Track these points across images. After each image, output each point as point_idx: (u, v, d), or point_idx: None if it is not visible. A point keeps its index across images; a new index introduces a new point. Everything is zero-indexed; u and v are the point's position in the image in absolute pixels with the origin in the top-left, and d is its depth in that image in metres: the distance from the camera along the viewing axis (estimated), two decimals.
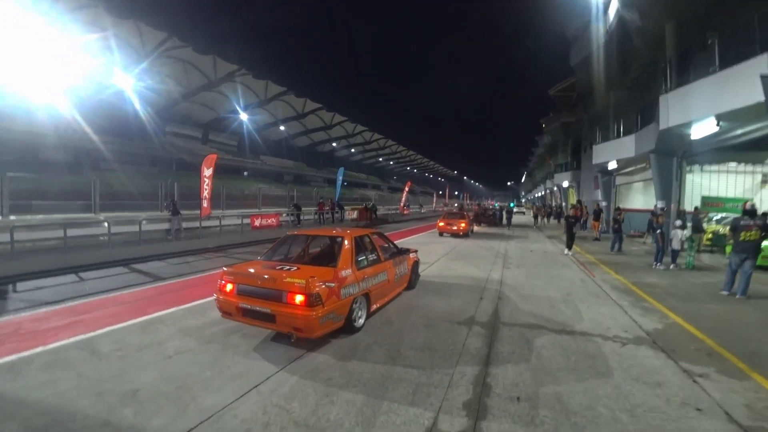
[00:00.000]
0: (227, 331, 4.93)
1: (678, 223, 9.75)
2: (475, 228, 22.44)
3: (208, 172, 14.80)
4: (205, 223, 16.26)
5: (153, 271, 10.16)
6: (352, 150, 68.18)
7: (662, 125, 10.10)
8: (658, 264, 9.81)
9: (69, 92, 29.46)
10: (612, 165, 17.46)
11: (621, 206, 14.30)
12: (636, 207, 18.93)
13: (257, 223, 16.71)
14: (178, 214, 15.15)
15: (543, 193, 53.67)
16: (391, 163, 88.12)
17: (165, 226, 15.09)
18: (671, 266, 9.73)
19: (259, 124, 46.53)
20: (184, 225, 15.57)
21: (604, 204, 20.02)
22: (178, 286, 7.85)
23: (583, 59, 16.69)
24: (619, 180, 20.05)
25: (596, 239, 16.42)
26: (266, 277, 4.44)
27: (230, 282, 4.62)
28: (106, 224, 12.12)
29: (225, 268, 4.82)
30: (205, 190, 14.70)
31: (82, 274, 9.70)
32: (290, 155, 56.17)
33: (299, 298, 4.09)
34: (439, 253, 11.97)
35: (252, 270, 4.78)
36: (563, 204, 33.57)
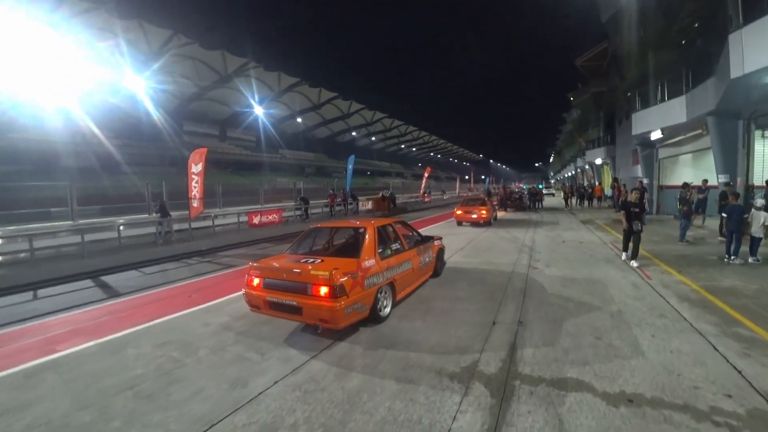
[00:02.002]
0: (123, 385, 3.53)
1: (760, 202, 7.29)
2: (501, 214, 20.18)
3: (196, 168, 13.29)
4: (200, 224, 14.89)
5: (117, 285, 8.74)
6: (373, 138, 66.25)
7: (734, 72, 7.57)
8: (733, 257, 7.42)
9: (82, 99, 29.00)
10: (655, 135, 14.70)
11: (688, 182, 11.43)
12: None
13: (256, 220, 15.12)
14: (167, 215, 13.79)
15: (573, 172, 49.83)
16: (414, 149, 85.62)
17: (160, 228, 13.74)
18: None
19: (276, 118, 45.31)
20: (177, 227, 14.26)
21: (646, 181, 17.24)
22: (124, 306, 6.39)
23: (616, 12, 13.92)
24: (662, 153, 17.16)
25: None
26: (291, 270, 4.44)
27: (257, 276, 4.62)
28: (93, 232, 10.95)
29: (252, 263, 4.82)
30: (194, 188, 13.22)
31: (40, 291, 8.42)
32: (310, 147, 54.91)
33: (324, 290, 4.09)
34: (452, 248, 9.90)
35: (278, 264, 4.74)
36: (596, 183, 30.34)
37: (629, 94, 17.56)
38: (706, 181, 12.47)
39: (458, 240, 11.39)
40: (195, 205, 13.23)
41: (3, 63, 23.20)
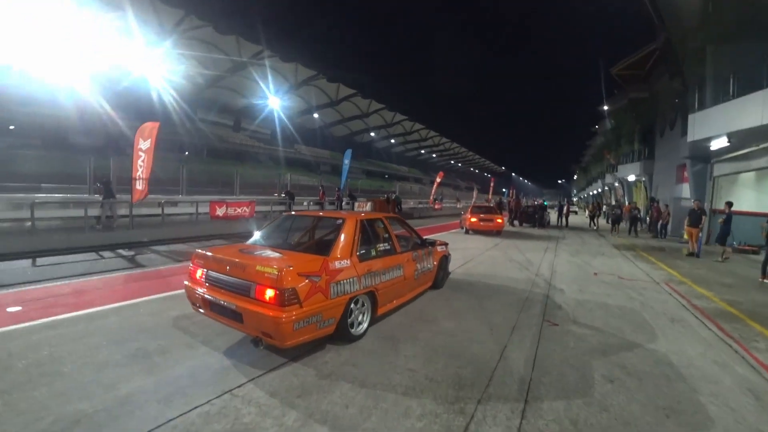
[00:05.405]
0: None
1: None
2: (514, 228, 17.05)
3: (144, 144, 10.67)
4: (153, 211, 12.32)
5: None
6: (392, 141, 63.32)
7: None
8: None
9: (93, 77, 27.33)
10: (718, 143, 11.22)
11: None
12: (744, 209, 12.64)
13: (219, 212, 12.39)
14: (112, 196, 11.24)
15: (600, 190, 45.42)
16: (434, 156, 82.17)
17: (101, 212, 11.21)
18: None
19: (292, 111, 42.98)
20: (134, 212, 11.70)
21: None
22: None
23: None
24: (719, 169, 13.56)
25: (693, 254, 10.42)
26: (237, 262, 3.38)
27: (200, 266, 3.67)
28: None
29: (199, 250, 3.80)
30: (140, 167, 10.58)
31: None
32: (326, 145, 52.39)
33: (269, 293, 3.03)
34: None
35: (227, 253, 3.65)
36: (626, 202, 26.34)
37: (683, 92, 14.01)
38: (730, 204, 9.77)
39: (454, 257, 8.31)
40: (139, 187, 10.59)
41: (19, 37, 21.72)
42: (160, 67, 29.82)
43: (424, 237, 5.72)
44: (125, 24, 25.63)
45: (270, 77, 35.37)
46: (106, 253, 8.70)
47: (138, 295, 5.04)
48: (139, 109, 32.59)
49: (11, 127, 26.55)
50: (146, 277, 6.35)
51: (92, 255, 8.52)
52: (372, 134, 57.30)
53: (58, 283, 5.76)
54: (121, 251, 9.00)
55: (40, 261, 7.70)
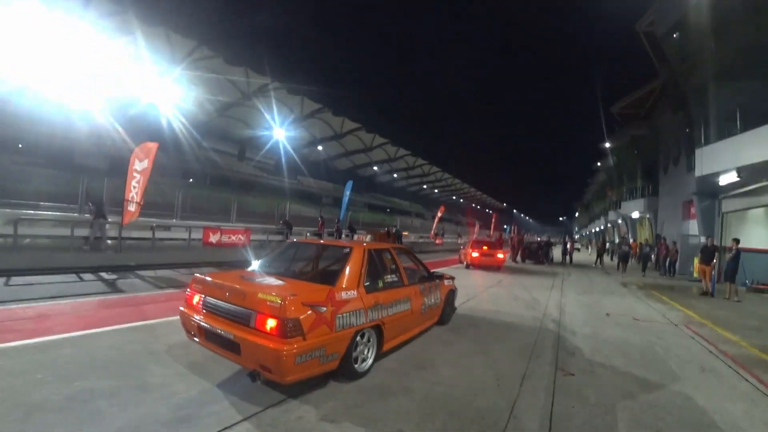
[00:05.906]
0: None
1: None
2: (516, 265, 16.57)
3: (140, 165, 10.39)
4: (144, 234, 11.90)
5: None
6: (395, 175, 63.69)
7: None
8: None
9: (103, 101, 27.79)
10: (727, 179, 10.89)
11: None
12: (755, 246, 12.16)
13: (213, 239, 11.93)
14: (102, 217, 10.85)
15: (602, 227, 44.91)
16: (436, 191, 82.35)
17: (91, 232, 10.80)
18: None
19: (296, 143, 43.37)
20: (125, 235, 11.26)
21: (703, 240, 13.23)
22: None
23: (681, 18, 10.55)
24: (728, 205, 13.14)
25: (706, 293, 9.81)
26: (237, 289, 3.18)
27: (198, 292, 3.45)
28: None
29: (197, 275, 3.63)
30: (134, 188, 10.26)
31: None
32: (330, 178, 52.57)
33: (270, 323, 2.80)
34: None
35: (227, 279, 3.53)
36: (630, 239, 25.70)
37: (688, 128, 13.86)
38: (737, 240, 9.52)
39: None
40: (131, 209, 10.23)
41: (36, 58, 22.24)
42: (170, 94, 30.34)
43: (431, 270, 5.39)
44: (139, 51, 26.32)
45: (276, 109, 35.92)
46: (87, 276, 8.22)
47: (105, 324, 4.56)
48: (147, 134, 32.82)
49: (20, 146, 26.72)
50: (121, 304, 5.85)
51: (72, 277, 8.04)
52: (375, 168, 57.66)
53: (23, 305, 5.33)
54: (103, 274, 8.50)
55: (14, 280, 7.22)
